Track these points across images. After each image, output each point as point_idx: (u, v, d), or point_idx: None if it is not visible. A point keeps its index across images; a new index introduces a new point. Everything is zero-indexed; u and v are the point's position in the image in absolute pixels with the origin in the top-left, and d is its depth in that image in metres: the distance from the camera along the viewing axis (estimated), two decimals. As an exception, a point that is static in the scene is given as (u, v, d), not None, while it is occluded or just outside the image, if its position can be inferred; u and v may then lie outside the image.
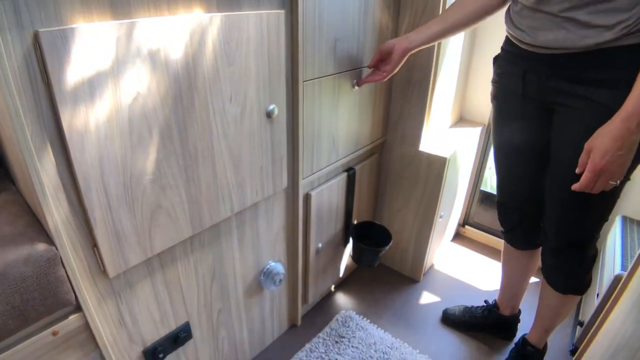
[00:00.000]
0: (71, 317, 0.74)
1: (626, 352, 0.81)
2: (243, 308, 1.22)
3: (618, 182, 0.80)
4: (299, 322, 1.51)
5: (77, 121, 0.64)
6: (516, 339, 1.40)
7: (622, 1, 0.74)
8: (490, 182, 2.03)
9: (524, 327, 1.42)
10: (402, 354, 1.38)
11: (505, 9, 1.01)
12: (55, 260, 0.66)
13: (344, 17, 1.12)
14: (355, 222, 1.58)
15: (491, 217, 1.96)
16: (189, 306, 1.02)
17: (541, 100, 0.96)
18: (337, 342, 1.42)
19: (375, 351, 1.38)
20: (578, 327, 1.35)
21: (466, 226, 2.05)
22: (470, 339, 1.47)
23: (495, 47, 1.06)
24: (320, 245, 1.40)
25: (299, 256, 1.33)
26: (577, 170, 0.83)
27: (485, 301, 1.49)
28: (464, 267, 1.85)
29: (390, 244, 1.44)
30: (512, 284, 1.35)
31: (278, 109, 1.00)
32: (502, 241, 1.31)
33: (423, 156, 1.50)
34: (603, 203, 0.95)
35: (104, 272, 0.77)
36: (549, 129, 0.98)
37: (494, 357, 1.40)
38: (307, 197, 1.26)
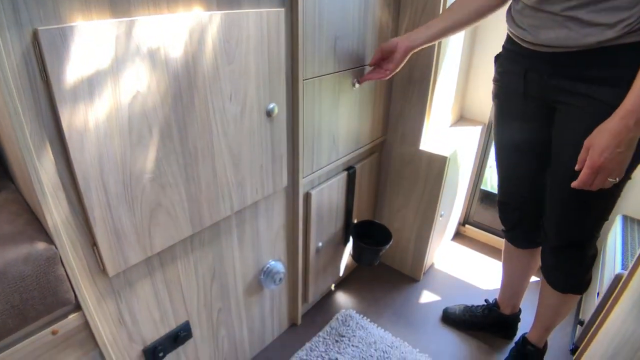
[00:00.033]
0: (71, 316, 0.74)
1: (627, 352, 0.81)
2: (243, 307, 1.21)
3: (617, 179, 0.80)
4: (299, 321, 1.51)
5: (76, 120, 0.63)
6: (516, 338, 1.40)
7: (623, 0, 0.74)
8: (490, 181, 2.03)
9: (525, 326, 1.42)
10: (402, 352, 1.38)
11: (506, 7, 1.01)
12: (54, 259, 0.66)
13: (344, 15, 1.11)
14: (355, 221, 1.58)
15: (491, 216, 1.95)
16: (188, 305, 1.02)
17: (543, 98, 0.96)
18: (337, 341, 1.42)
19: (376, 350, 1.38)
20: (578, 326, 1.35)
21: (466, 225, 2.05)
22: (470, 338, 1.47)
23: (495, 45, 1.06)
24: (320, 244, 1.40)
25: (299, 255, 1.33)
26: (576, 167, 0.83)
27: (486, 300, 1.49)
28: (464, 266, 1.85)
29: (391, 243, 1.44)
30: (513, 283, 1.35)
31: (278, 107, 0.99)
32: (503, 240, 1.31)
33: (423, 155, 1.50)
34: (603, 203, 0.95)
35: (103, 271, 0.77)
36: (551, 127, 0.98)
37: (494, 356, 1.40)
38: (307, 196, 1.26)
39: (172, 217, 0.85)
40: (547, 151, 1.01)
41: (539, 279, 1.28)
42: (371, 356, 1.36)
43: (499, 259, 1.87)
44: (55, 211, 0.66)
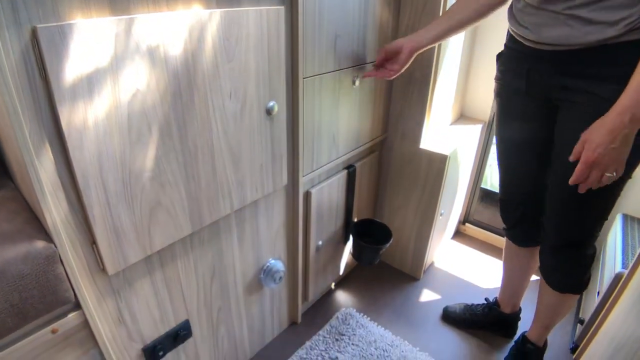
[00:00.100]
0: (70, 315, 0.74)
1: (627, 351, 0.81)
2: (243, 306, 1.21)
3: (614, 174, 0.80)
4: (299, 320, 1.51)
5: (75, 118, 0.63)
6: (517, 336, 1.40)
7: None
8: (490, 180, 2.03)
9: (525, 324, 1.42)
10: (403, 351, 1.38)
11: (507, 5, 1.00)
12: (54, 257, 0.66)
13: (344, 14, 1.11)
14: (355, 219, 1.58)
15: (491, 215, 1.95)
16: (188, 304, 1.02)
17: (545, 97, 0.96)
18: (337, 339, 1.42)
19: (376, 349, 1.38)
20: (578, 325, 1.35)
21: (466, 224, 2.05)
22: (470, 337, 1.47)
23: (496, 44, 1.06)
24: (320, 242, 1.40)
25: (299, 254, 1.33)
26: (570, 158, 0.83)
27: (486, 299, 1.49)
28: (465, 264, 1.85)
29: (391, 241, 1.44)
30: (513, 282, 1.35)
31: (278, 105, 0.99)
32: (503, 239, 1.31)
33: (423, 154, 1.50)
34: (603, 202, 0.95)
35: (103, 269, 0.77)
36: (552, 126, 0.98)
37: (494, 355, 1.40)
38: (307, 195, 1.26)
39: (172, 215, 0.85)
40: (548, 149, 1.01)
41: (539, 277, 1.28)
42: (371, 355, 1.36)
43: (499, 257, 1.87)
44: (55, 209, 0.66)
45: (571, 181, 0.83)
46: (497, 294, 1.46)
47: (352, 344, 1.40)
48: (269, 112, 0.97)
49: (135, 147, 0.73)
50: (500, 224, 1.26)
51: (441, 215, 1.62)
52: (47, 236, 0.67)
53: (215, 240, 1.03)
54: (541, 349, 1.28)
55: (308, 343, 1.40)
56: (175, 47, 0.73)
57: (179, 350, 1.05)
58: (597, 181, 0.81)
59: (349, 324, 1.48)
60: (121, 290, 0.84)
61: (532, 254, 1.25)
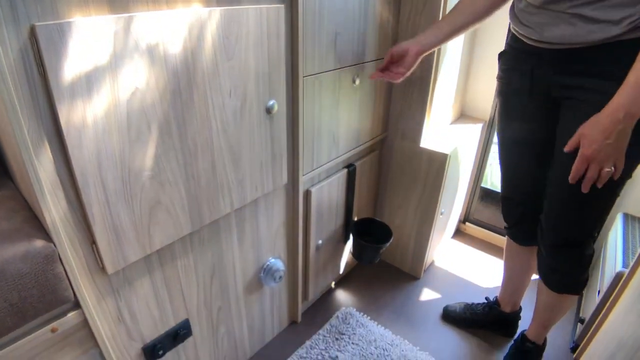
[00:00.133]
0: (70, 314, 0.73)
1: (627, 350, 0.81)
2: (243, 305, 1.21)
3: (612, 168, 0.80)
4: (299, 319, 1.50)
5: (74, 116, 0.63)
6: (517, 335, 1.40)
7: None
8: (490, 179, 2.02)
9: (525, 324, 1.42)
10: (403, 350, 1.38)
11: (508, 4, 1.00)
12: (53, 256, 0.66)
13: (345, 12, 1.11)
14: (355, 218, 1.58)
15: (492, 214, 1.95)
16: (188, 303, 1.02)
17: (547, 95, 0.96)
18: (337, 339, 1.42)
19: (376, 348, 1.38)
20: (579, 324, 1.35)
21: (467, 223, 2.05)
22: (470, 336, 1.47)
23: (496, 43, 1.05)
24: (320, 241, 1.40)
25: (299, 253, 1.33)
26: (566, 149, 0.84)
27: (486, 298, 1.49)
28: (465, 264, 1.84)
29: (391, 240, 1.44)
30: (514, 281, 1.35)
31: (278, 104, 0.99)
32: (503, 238, 1.31)
33: (424, 153, 1.49)
34: (603, 202, 0.95)
35: (102, 269, 0.77)
36: (552, 127, 0.97)
37: (494, 354, 1.40)
38: (307, 194, 1.26)
39: (172, 214, 0.85)
40: (549, 148, 1.00)
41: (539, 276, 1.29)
42: (371, 354, 1.36)
43: (499, 256, 1.86)
44: (54, 208, 0.66)
45: (570, 178, 0.84)
46: (497, 293, 1.46)
47: (352, 343, 1.40)
48: (268, 110, 0.97)
49: (135, 145, 0.73)
50: (500, 223, 1.26)
51: (441, 214, 1.62)
52: (46, 235, 0.67)
53: (215, 240, 1.03)
54: (540, 347, 1.28)
55: (308, 342, 1.40)
56: (174, 46, 0.73)
57: (179, 350, 1.05)
58: (596, 177, 0.81)
59: (349, 323, 1.48)
60: (121, 289, 0.84)
61: (533, 253, 1.25)
